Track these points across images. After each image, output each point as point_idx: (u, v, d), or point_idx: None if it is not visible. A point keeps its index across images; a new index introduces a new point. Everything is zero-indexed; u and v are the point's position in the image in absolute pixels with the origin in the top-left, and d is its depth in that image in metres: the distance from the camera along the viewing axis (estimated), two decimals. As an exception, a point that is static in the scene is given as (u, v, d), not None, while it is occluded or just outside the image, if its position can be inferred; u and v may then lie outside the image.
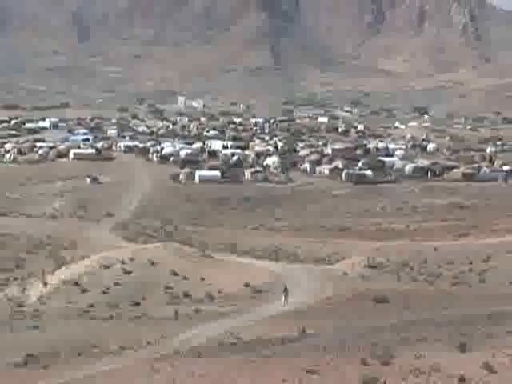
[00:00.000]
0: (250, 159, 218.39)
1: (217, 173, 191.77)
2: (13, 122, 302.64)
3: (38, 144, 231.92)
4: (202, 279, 71.18)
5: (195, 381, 29.93)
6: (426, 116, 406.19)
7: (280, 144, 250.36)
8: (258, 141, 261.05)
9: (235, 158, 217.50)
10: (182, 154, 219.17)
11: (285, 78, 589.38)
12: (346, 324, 50.04)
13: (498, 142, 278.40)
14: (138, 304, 62.66)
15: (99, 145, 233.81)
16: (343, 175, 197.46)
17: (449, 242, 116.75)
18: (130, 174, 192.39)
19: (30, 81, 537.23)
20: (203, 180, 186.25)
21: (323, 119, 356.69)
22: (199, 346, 41.62)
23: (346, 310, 58.47)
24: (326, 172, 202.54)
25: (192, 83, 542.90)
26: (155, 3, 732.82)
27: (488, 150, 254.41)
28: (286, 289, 59.65)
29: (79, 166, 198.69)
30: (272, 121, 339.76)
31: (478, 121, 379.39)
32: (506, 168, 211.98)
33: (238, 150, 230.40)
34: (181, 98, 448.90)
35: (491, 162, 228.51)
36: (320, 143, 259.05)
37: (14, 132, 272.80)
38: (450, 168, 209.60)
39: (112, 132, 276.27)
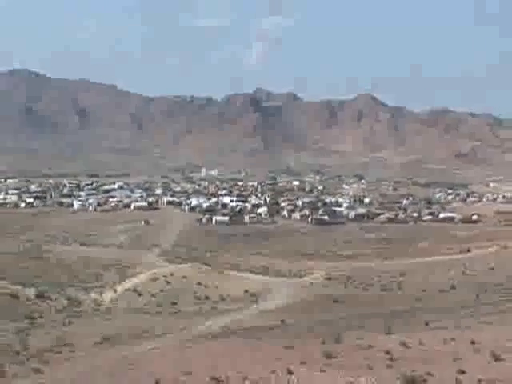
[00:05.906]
0: (249, 208, 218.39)
1: (226, 218, 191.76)
2: (94, 184, 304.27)
3: (110, 199, 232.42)
4: (217, 287, 71.01)
5: (212, 354, 29.79)
6: (362, 180, 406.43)
7: (268, 199, 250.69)
8: (253, 197, 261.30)
9: (238, 208, 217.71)
10: (204, 205, 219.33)
11: (271, 156, 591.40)
12: (312, 317, 49.87)
13: (410, 198, 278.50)
14: (175, 304, 62.46)
15: (150, 200, 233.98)
16: (309, 219, 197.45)
17: (378, 263, 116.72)
18: (169, 219, 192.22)
19: (104, 157, 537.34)
20: (218, 222, 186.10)
21: (296, 183, 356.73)
22: (215, 331, 41.49)
23: (312, 307, 58.28)
24: (298, 217, 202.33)
25: (210, 159, 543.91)
26: (186, 107, 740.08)
27: (403, 203, 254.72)
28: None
29: (137, 213, 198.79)
30: (262, 184, 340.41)
31: (396, 184, 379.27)
32: (414, 214, 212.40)
33: (241, 203, 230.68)
34: (203, 169, 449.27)
35: (405, 210, 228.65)
36: (294, 198, 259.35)
37: (94, 191, 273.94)
38: (379, 214, 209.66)
39: (158, 191, 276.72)
